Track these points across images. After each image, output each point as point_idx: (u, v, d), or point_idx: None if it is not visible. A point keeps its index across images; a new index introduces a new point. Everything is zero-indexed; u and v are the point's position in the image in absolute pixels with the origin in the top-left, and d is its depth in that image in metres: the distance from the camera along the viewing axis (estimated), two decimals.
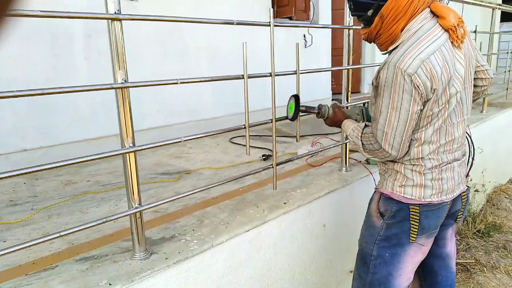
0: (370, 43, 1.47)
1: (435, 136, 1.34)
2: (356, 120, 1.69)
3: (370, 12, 1.35)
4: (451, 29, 1.27)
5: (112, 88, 1.29)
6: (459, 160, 1.44)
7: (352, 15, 1.46)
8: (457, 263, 2.98)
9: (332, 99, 4.83)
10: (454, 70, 1.29)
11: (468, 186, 1.54)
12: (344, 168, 2.40)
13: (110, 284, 1.29)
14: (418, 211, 1.38)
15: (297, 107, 1.71)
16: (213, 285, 1.57)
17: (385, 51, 1.40)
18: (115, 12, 1.25)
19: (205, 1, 3.83)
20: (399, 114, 1.28)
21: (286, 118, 1.80)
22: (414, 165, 1.38)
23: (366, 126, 1.50)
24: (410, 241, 1.42)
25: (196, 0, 3.75)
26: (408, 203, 1.39)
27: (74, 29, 3.00)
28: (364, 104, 2.42)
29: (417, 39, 1.26)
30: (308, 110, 1.76)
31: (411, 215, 1.40)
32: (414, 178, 1.38)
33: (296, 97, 1.73)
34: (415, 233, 1.40)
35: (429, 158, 1.36)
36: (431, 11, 1.31)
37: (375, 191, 1.55)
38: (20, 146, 2.79)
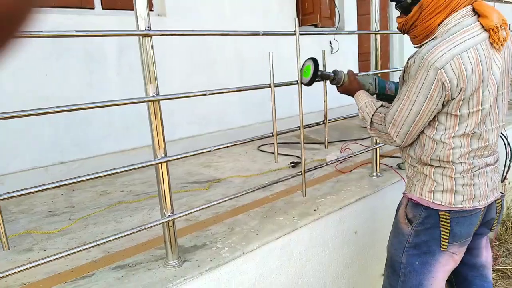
0: (404, 34, 1.41)
1: (466, 140, 1.28)
2: (368, 90, 1.63)
3: (409, 0, 1.31)
4: (492, 29, 1.20)
5: (144, 101, 1.34)
6: (492, 165, 1.37)
7: (391, 0, 1.41)
8: (497, 270, 2.86)
9: None
10: (490, 72, 1.22)
11: (502, 193, 1.46)
12: (374, 174, 2.37)
13: None
14: (448, 217, 1.33)
15: (315, 73, 1.59)
16: None
17: (418, 45, 1.34)
18: (145, 29, 1.30)
19: (230, 13, 3.89)
20: (412, 105, 1.26)
21: (301, 82, 1.69)
22: (444, 168, 1.32)
23: (382, 106, 1.47)
24: (441, 249, 1.36)
25: (221, 13, 3.82)
26: (437, 209, 1.34)
27: (106, 46, 3.12)
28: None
29: (452, 34, 1.21)
30: (324, 75, 1.66)
31: (441, 222, 1.34)
32: (444, 183, 1.33)
33: (315, 61, 1.60)
34: (446, 241, 1.34)
35: (460, 162, 1.30)
36: (473, 9, 1.25)
37: (403, 196, 1.50)
38: (58, 159, 2.91)
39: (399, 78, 1.41)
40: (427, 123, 1.30)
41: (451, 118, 1.26)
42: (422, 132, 1.33)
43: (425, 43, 1.29)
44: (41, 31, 1.09)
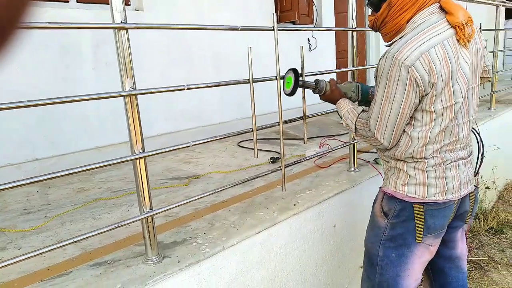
0: (376, 31, 1.45)
1: (439, 136, 1.32)
2: (351, 97, 1.66)
3: None
4: (458, 26, 1.24)
5: (121, 95, 1.32)
6: (464, 159, 1.41)
7: None
8: (470, 261, 2.95)
9: None
10: (459, 67, 1.26)
11: (476, 186, 1.50)
12: (352, 169, 2.41)
13: None
14: (422, 210, 1.36)
15: (296, 82, 1.64)
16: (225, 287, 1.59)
17: (389, 42, 1.39)
18: (121, 22, 1.28)
19: (208, 9, 3.87)
20: (391, 105, 1.29)
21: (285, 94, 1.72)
22: (416, 162, 1.36)
23: (363, 111, 1.50)
24: (417, 241, 1.39)
25: (199, 8, 3.79)
26: (411, 202, 1.37)
27: (82, 41, 3.05)
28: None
29: (419, 31, 1.25)
30: (306, 85, 1.71)
31: (415, 215, 1.37)
32: (416, 177, 1.36)
33: (295, 71, 1.66)
34: (421, 233, 1.38)
35: (432, 157, 1.34)
36: (440, 7, 1.30)
37: (379, 190, 1.54)
38: (31, 155, 2.84)
39: (374, 78, 1.43)
40: (408, 120, 1.33)
41: (426, 114, 1.29)
42: None
43: (394, 41, 1.32)
44: None
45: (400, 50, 1.23)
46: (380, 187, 1.53)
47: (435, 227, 1.38)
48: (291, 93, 1.67)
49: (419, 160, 1.35)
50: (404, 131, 1.35)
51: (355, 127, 1.48)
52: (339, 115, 1.59)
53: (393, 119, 1.31)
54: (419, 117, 1.31)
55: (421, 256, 1.43)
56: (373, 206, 1.55)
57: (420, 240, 1.39)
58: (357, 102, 1.69)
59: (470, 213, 1.51)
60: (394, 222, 1.42)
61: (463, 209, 1.47)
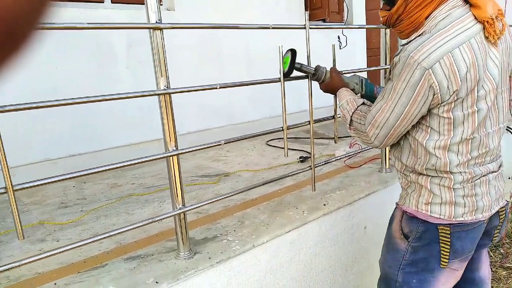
0: (389, 28, 1.30)
1: (464, 147, 1.15)
2: (353, 89, 1.52)
3: None
4: (487, 21, 1.07)
5: (156, 94, 1.35)
6: (495, 172, 1.24)
7: None
8: (507, 267, 2.85)
9: None
10: (486, 69, 1.09)
11: (507, 201, 1.32)
12: (384, 169, 2.37)
13: (157, 282, 1.34)
14: (448, 232, 1.20)
15: (292, 63, 1.56)
16: (255, 285, 1.60)
17: (406, 40, 1.21)
18: (156, 22, 1.31)
19: (238, 8, 3.88)
20: (394, 106, 1.15)
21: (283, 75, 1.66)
22: (441, 178, 1.19)
23: (363, 104, 1.37)
24: (441, 266, 1.23)
25: (229, 7, 3.81)
26: (435, 223, 1.21)
27: (116, 40, 3.13)
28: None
29: (442, 28, 1.08)
30: (304, 69, 1.61)
31: (440, 237, 1.21)
32: (442, 195, 1.19)
33: (293, 52, 1.57)
34: (447, 257, 1.22)
35: (460, 172, 1.17)
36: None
37: (396, 208, 1.37)
38: (68, 151, 2.94)
39: (385, 78, 1.34)
40: (409, 127, 1.19)
41: (444, 122, 1.13)
42: (414, 138, 1.21)
43: (412, 39, 1.16)
44: (54, 23, 1.10)
45: (419, 48, 1.07)
46: (397, 204, 1.36)
47: (463, 251, 1.22)
48: (286, 74, 1.61)
49: (444, 175, 1.19)
50: (418, 141, 1.20)
51: (351, 119, 1.34)
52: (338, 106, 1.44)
53: (392, 122, 1.18)
54: (435, 125, 1.15)
55: (445, 282, 1.27)
56: (389, 225, 1.38)
57: (445, 265, 1.23)
58: (360, 95, 1.55)
59: (499, 230, 1.33)
60: (416, 246, 1.26)
61: (491, 224, 1.29)
